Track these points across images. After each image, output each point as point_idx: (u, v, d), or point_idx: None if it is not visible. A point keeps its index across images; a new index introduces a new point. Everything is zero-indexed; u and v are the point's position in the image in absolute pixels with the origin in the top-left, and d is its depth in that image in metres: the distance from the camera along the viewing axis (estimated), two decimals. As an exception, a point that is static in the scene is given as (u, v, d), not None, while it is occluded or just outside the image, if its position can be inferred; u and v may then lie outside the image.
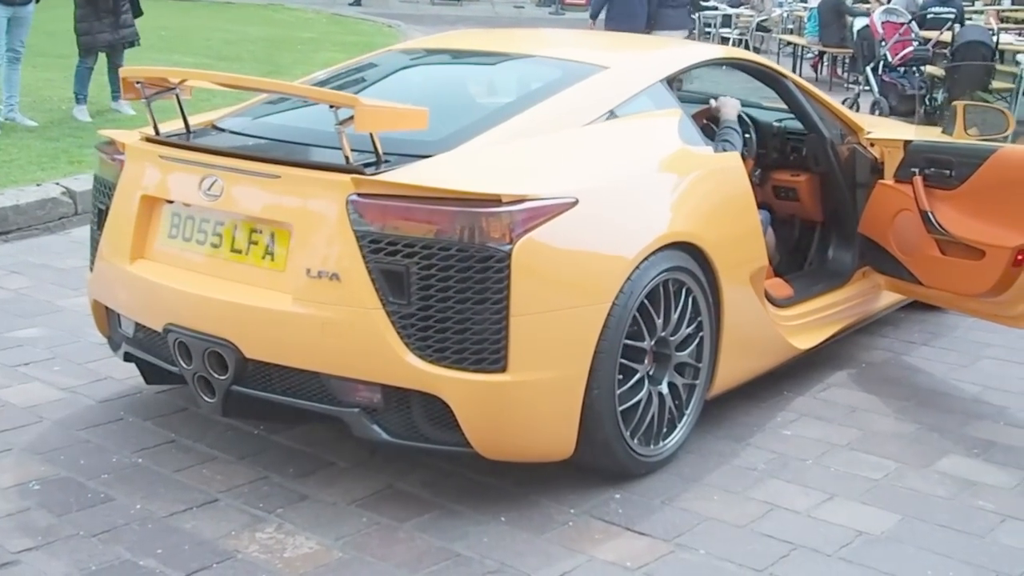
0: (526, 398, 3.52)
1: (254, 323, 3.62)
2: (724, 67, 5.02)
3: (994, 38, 11.46)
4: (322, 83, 4.58)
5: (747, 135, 5.04)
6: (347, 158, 3.54)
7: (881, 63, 12.25)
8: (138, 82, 4.00)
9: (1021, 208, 4.34)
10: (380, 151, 3.56)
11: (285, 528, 3.56)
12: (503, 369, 3.45)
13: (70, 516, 3.59)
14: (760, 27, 17.16)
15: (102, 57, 9.66)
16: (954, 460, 4.17)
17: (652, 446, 3.93)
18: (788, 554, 3.47)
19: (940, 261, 4.70)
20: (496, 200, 3.42)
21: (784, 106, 5.27)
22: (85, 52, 9.49)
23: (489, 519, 3.65)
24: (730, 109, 4.89)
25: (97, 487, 3.78)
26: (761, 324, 4.46)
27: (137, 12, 9.78)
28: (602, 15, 11.48)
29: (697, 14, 16.60)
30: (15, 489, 3.75)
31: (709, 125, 4.92)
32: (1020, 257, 4.36)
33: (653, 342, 3.87)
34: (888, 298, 5.36)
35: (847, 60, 15.26)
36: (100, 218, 4.16)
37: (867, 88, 12.86)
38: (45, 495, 3.72)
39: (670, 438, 4.01)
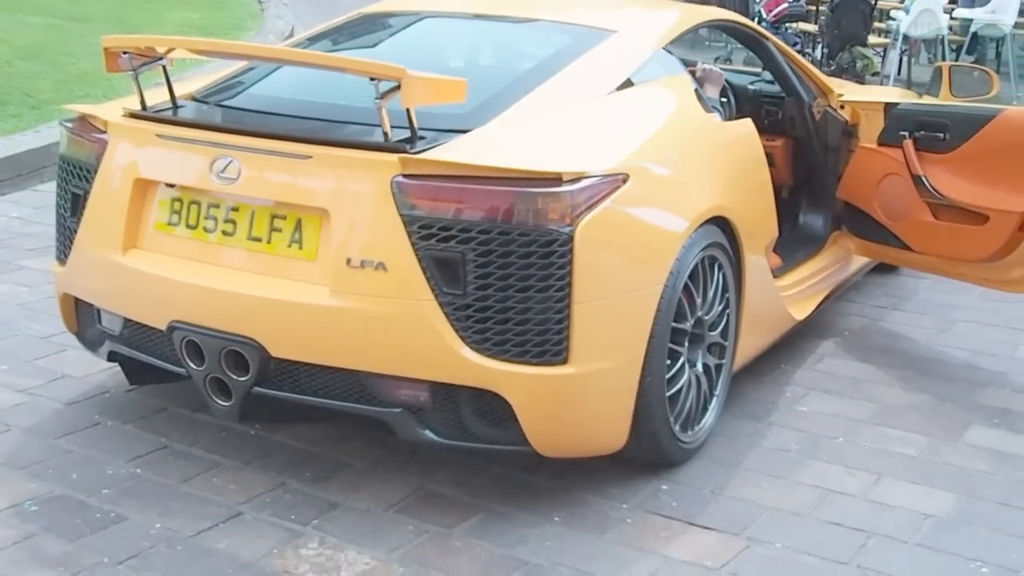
0: (587, 391, 3.29)
1: (283, 319, 3.28)
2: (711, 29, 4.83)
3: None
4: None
5: (724, 99, 4.88)
6: (386, 135, 3.22)
7: (757, 20, 12.26)
8: (125, 52, 3.56)
9: None
10: (416, 127, 3.25)
11: (329, 542, 3.25)
12: (565, 361, 3.21)
13: (85, 541, 3.20)
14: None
15: None
16: (979, 432, 4.11)
17: (690, 432, 3.75)
18: (865, 544, 3.33)
19: (934, 226, 4.63)
20: (556, 178, 3.16)
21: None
22: None
23: (541, 520, 3.41)
24: (714, 84, 4.68)
25: (102, 505, 3.39)
26: (773, 297, 4.34)
27: None
28: None
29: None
30: (12, 511, 3.33)
31: None
32: None
33: (692, 323, 3.69)
34: (857, 263, 5.30)
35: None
36: (75, 204, 3.73)
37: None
38: (47, 517, 3.31)
39: (703, 422, 3.84)
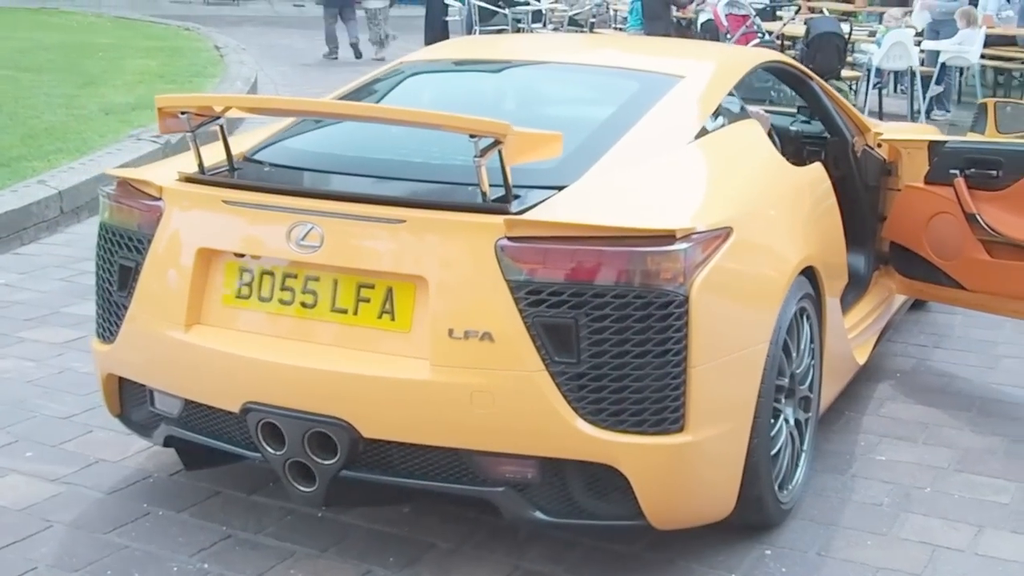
0: (704, 459, 3.10)
1: (377, 396, 3.04)
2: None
3: (844, 26, 11.64)
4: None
5: None
6: (485, 195, 3.01)
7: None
8: (183, 112, 3.30)
9: None
10: (511, 185, 3.04)
11: (436, 636, 3.01)
12: (681, 429, 3.00)
13: (170, 652, 2.93)
14: (572, 21, 16.97)
15: None
16: (1065, 474, 4.00)
17: (786, 491, 3.57)
18: (993, 604, 3.18)
19: (989, 264, 4.51)
20: (670, 236, 2.96)
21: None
22: None
23: (653, 596, 3.20)
24: (762, 127, 4.53)
25: (178, 608, 3.12)
26: (845, 343, 4.19)
27: None
28: None
29: (508, 9, 16.28)
30: (78, 623, 3.05)
31: None
32: None
33: (788, 378, 3.51)
34: (898, 302, 5.17)
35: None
36: (123, 277, 3.45)
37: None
38: (120, 626, 3.03)
39: (795, 480, 3.66)
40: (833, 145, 4.91)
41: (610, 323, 2.91)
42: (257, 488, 3.75)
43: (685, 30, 13.67)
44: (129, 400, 3.64)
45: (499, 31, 16.61)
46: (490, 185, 3.01)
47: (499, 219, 2.95)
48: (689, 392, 2.99)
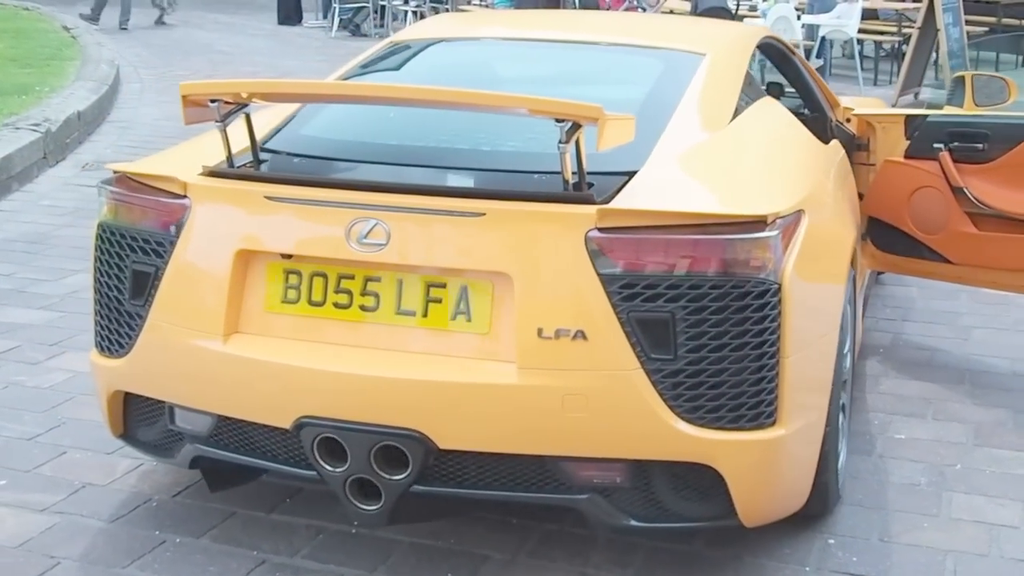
0: (793, 452, 2.97)
1: (456, 404, 2.80)
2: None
3: (731, 2, 11.69)
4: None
5: None
6: (567, 183, 2.80)
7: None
8: (213, 100, 2.98)
9: None
10: (585, 172, 2.84)
11: (529, 658, 2.81)
12: (774, 423, 2.87)
13: None
14: (436, -1, 16.66)
15: None
16: (1083, 443, 4.03)
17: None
18: (1074, 582, 3.15)
19: (976, 237, 4.51)
20: (761, 222, 2.81)
21: None
22: None
23: (736, 598, 3.07)
24: None
25: (237, 646, 2.84)
26: (858, 320, 4.12)
27: None
28: None
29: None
30: (132, 671, 2.74)
31: None
32: None
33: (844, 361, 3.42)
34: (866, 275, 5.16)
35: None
36: (138, 284, 3.11)
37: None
38: (181, 673, 2.74)
39: (840, 464, 3.57)
40: (813, 122, 4.83)
41: (708, 315, 2.75)
42: (276, 506, 3.48)
43: (555, 5, 13.51)
44: (136, 418, 3.32)
45: (359, 8, 16.27)
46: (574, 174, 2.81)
47: (591, 209, 2.75)
48: (782, 384, 2.85)
